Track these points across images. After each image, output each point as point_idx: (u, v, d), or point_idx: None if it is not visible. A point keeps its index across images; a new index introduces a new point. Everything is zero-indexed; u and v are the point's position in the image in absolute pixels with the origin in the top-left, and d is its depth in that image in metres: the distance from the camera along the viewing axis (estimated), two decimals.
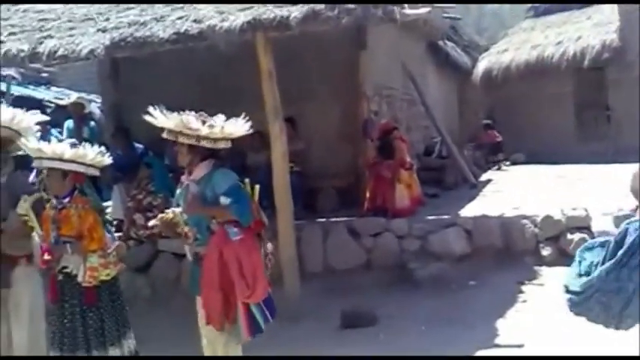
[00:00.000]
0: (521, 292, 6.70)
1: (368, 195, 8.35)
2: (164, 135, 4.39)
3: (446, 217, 7.90)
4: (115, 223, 7.18)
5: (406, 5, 6.30)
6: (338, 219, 7.95)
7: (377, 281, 7.22)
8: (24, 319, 5.05)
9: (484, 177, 12.46)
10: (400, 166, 8.35)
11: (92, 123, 9.88)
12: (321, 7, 6.12)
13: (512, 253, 7.50)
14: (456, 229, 7.62)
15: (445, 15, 12.19)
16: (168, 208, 4.83)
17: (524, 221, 7.60)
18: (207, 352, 4.60)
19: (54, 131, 9.82)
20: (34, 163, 4.75)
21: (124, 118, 9.31)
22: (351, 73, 8.87)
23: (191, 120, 4.29)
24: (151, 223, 4.65)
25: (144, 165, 8.14)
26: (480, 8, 31.58)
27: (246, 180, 4.50)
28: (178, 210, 4.54)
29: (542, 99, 15.26)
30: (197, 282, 4.47)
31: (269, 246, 4.62)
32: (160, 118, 4.33)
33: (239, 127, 4.40)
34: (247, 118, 4.42)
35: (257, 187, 4.48)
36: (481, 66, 16.57)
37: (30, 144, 4.67)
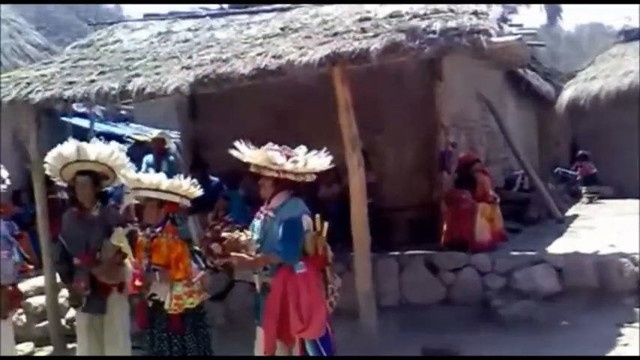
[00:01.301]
0: (620, 335, 6.34)
1: (445, 228, 8.22)
2: (250, 169, 4.52)
3: (532, 253, 7.63)
4: None
5: (493, 33, 6.12)
6: (414, 252, 7.83)
7: (457, 318, 7.03)
8: (118, 341, 5.49)
9: (571, 211, 12.01)
10: (483, 199, 8.20)
11: (171, 157, 10.17)
12: (401, 37, 6.09)
13: (608, 294, 7.09)
14: (544, 267, 7.31)
15: (528, 42, 11.95)
16: None
17: (623, 260, 7.21)
18: None
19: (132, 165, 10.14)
20: (131, 194, 4.95)
21: (200, 153, 9.52)
22: (427, 104, 8.81)
23: (276, 155, 4.44)
24: (224, 234, 4.73)
25: (221, 197, 8.27)
26: (555, 35, 31.04)
27: (317, 215, 4.55)
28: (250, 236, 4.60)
29: (633, 130, 14.52)
30: (261, 312, 4.57)
31: (337, 281, 4.64)
32: (246, 153, 4.48)
33: (321, 162, 4.47)
34: (328, 156, 4.48)
35: (326, 224, 4.54)
36: (566, 95, 15.96)
37: (129, 175, 4.89)
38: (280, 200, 4.57)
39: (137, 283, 4.84)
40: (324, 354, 4.44)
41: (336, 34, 6.79)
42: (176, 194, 4.88)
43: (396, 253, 7.86)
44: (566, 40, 32.46)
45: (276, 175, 4.48)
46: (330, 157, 4.56)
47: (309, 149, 4.64)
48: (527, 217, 10.43)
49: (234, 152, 4.54)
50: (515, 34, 7.42)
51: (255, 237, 4.62)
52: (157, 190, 4.82)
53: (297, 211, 4.53)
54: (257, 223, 4.69)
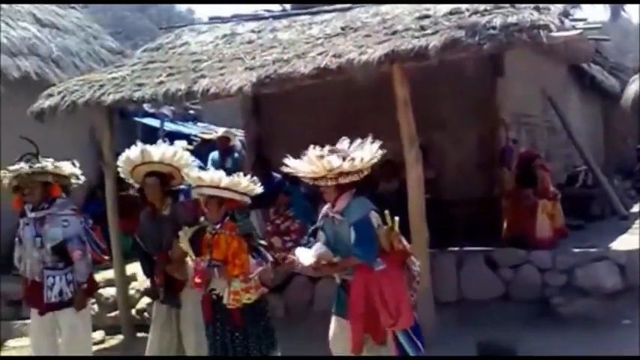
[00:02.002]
0: None
1: (505, 224, 8.20)
2: (307, 181, 4.56)
3: (594, 250, 7.48)
4: None
5: (554, 28, 6.10)
6: (473, 248, 7.84)
7: (515, 315, 7.00)
8: (191, 333, 5.66)
9: (635, 208, 11.68)
10: (544, 195, 8.14)
11: (235, 154, 10.48)
12: (461, 34, 6.14)
13: None
14: (606, 264, 7.17)
15: (590, 37, 11.75)
16: (304, 232, 5.04)
17: None
18: None
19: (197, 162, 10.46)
20: (194, 192, 5.13)
21: (263, 150, 9.76)
22: (487, 100, 8.80)
23: (332, 160, 4.42)
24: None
25: (283, 192, 8.48)
26: (624, 29, 30.11)
27: (386, 211, 4.61)
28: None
29: None
30: (342, 304, 4.65)
31: (417, 267, 4.69)
32: (301, 167, 4.50)
33: (372, 150, 4.52)
34: (376, 143, 4.54)
35: (397, 218, 4.57)
36: (632, 89, 15.49)
37: (191, 173, 5.09)
38: (345, 201, 4.59)
39: (197, 280, 4.98)
40: (418, 342, 4.52)
41: (395, 32, 6.89)
42: (235, 192, 4.97)
43: (455, 249, 7.88)
44: (634, 33, 31.45)
45: (335, 181, 4.47)
46: (379, 146, 4.58)
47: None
48: (591, 214, 10.27)
49: (286, 168, 4.58)
50: (577, 29, 7.35)
51: (323, 238, 4.65)
52: (217, 187, 4.93)
53: (365, 210, 4.56)
54: (324, 224, 4.72)
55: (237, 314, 4.95)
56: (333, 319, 4.83)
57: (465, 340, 6.31)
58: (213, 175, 4.98)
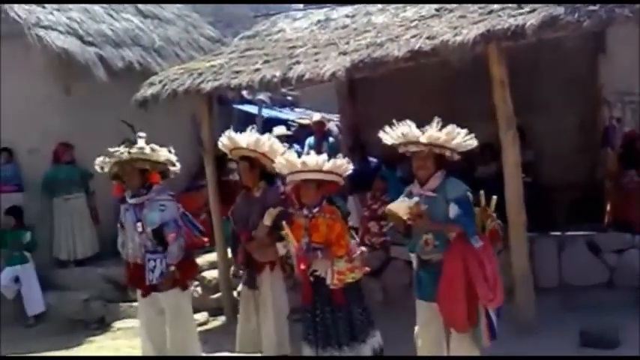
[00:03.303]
0: None
1: (609, 208, 7.92)
2: (412, 149, 4.62)
3: None
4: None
5: None
6: (574, 232, 7.62)
7: (620, 301, 6.77)
8: (270, 315, 5.76)
9: None
10: None
11: (331, 139, 10.56)
12: (559, 11, 5.96)
13: None
14: None
15: None
16: None
17: None
18: (420, 353, 4.82)
19: (295, 146, 10.61)
20: (290, 177, 5.22)
21: (360, 134, 9.79)
22: (588, 78, 8.50)
23: (441, 133, 4.53)
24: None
25: (379, 177, 8.50)
26: None
27: (481, 192, 4.60)
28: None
29: None
30: (427, 287, 4.67)
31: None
32: (411, 133, 4.58)
33: (471, 141, 4.53)
34: (472, 132, 4.54)
35: (494, 198, 4.60)
36: None
37: (291, 158, 5.17)
38: (438, 180, 4.65)
39: (302, 267, 5.05)
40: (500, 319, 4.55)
41: (491, 11, 6.74)
42: (337, 174, 5.08)
43: (556, 233, 7.68)
44: None
45: (438, 151, 4.56)
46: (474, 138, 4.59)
47: (467, 127, 4.70)
48: None
49: (397, 133, 4.64)
50: None
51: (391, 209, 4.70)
52: (320, 171, 5.04)
53: (463, 188, 4.62)
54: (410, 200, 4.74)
55: (339, 294, 5.04)
56: (420, 305, 4.83)
57: (568, 327, 6.18)
58: (318, 159, 5.06)
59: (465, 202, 4.55)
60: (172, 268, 5.59)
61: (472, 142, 4.63)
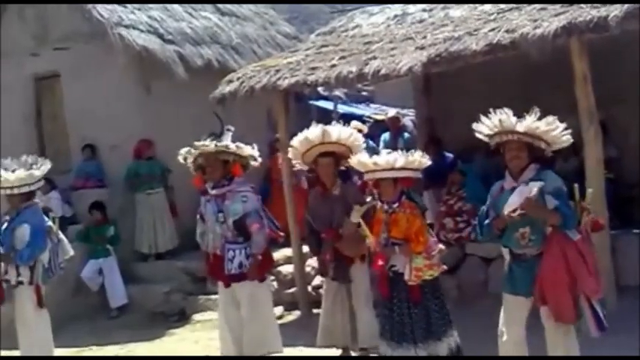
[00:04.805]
0: None
1: None
2: (507, 138, 4.54)
3: None
4: None
5: None
6: None
7: None
8: (362, 306, 5.85)
9: None
10: None
11: (406, 135, 10.51)
12: None
13: None
14: None
15: None
16: (477, 213, 4.99)
17: None
18: (512, 353, 4.73)
19: (370, 142, 10.59)
20: (366, 175, 5.19)
21: (435, 129, 9.70)
22: None
23: (540, 123, 4.46)
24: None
25: (457, 172, 8.39)
26: None
27: (575, 185, 4.55)
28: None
29: None
30: (520, 282, 4.60)
31: None
32: (508, 121, 4.51)
33: (567, 137, 4.50)
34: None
35: (589, 191, 4.58)
36: None
37: (364, 160, 5.17)
38: (532, 172, 4.58)
39: (380, 262, 5.04)
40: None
41: (573, 3, 6.57)
42: (410, 169, 5.05)
43: (638, 230, 7.37)
44: None
45: (522, 137, 4.49)
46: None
47: None
48: None
49: (494, 122, 4.56)
50: None
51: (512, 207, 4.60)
52: (393, 169, 5.01)
53: (559, 181, 4.54)
54: (499, 199, 4.68)
55: (416, 290, 5.01)
56: (508, 300, 4.75)
57: None
58: (388, 158, 5.04)
59: (562, 195, 4.48)
60: (259, 257, 5.71)
61: (568, 139, 4.56)
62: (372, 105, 15.99)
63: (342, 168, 5.96)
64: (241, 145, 5.83)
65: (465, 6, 8.14)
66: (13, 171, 6.02)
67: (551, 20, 6.29)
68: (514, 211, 4.47)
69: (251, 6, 12.85)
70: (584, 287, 4.41)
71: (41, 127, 10.87)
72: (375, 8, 9.62)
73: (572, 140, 4.64)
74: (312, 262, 8.40)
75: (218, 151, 5.72)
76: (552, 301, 4.49)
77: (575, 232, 4.44)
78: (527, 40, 6.24)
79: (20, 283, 6.04)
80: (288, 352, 6.57)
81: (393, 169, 5.00)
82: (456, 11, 8.12)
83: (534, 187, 4.44)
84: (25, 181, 6.01)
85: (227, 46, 11.10)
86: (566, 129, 4.57)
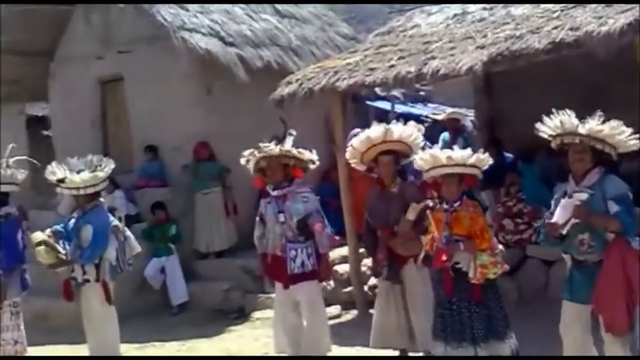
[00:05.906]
0: None
1: None
2: (569, 140, 4.47)
3: None
4: None
5: None
6: None
7: None
8: (417, 309, 5.81)
9: None
10: None
11: (465, 134, 10.37)
12: None
13: None
14: None
15: None
16: (538, 215, 4.92)
17: None
18: (574, 354, 4.66)
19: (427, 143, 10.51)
20: (432, 172, 5.14)
21: (495, 129, 9.57)
22: None
23: (604, 126, 4.38)
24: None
25: (516, 173, 8.26)
26: None
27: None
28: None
29: None
30: (580, 289, 4.52)
31: None
32: (569, 122, 4.45)
33: (634, 142, 4.40)
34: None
35: None
36: None
37: (436, 153, 5.13)
38: (596, 176, 4.49)
39: (443, 258, 5.00)
40: None
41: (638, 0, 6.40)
42: (478, 167, 5.03)
43: None
44: None
45: (596, 145, 4.41)
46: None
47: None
48: None
49: (557, 124, 4.49)
50: None
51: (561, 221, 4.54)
52: (463, 165, 5.00)
53: (624, 187, 4.45)
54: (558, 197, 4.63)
55: (478, 289, 4.96)
56: (567, 306, 4.68)
57: None
58: (463, 153, 5.03)
59: (625, 201, 4.37)
60: (329, 257, 5.80)
61: (636, 143, 4.43)
62: (429, 105, 15.86)
63: (401, 167, 5.95)
64: (302, 150, 5.93)
65: (527, 4, 8.01)
66: (79, 172, 6.21)
67: (617, 17, 6.14)
68: (566, 223, 4.39)
69: (310, 8, 12.91)
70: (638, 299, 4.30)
71: (106, 129, 11.18)
72: (434, 7, 9.55)
73: (639, 146, 4.50)
74: (368, 262, 8.40)
75: (281, 155, 5.82)
76: (606, 310, 4.40)
77: (638, 240, 4.33)
78: (593, 38, 6.12)
79: (87, 280, 6.22)
80: (346, 352, 6.61)
81: (464, 165, 4.98)
82: (518, 9, 7.98)
83: (576, 201, 4.36)
84: (89, 182, 6.19)
85: (286, 47, 11.18)
86: (633, 133, 4.45)
